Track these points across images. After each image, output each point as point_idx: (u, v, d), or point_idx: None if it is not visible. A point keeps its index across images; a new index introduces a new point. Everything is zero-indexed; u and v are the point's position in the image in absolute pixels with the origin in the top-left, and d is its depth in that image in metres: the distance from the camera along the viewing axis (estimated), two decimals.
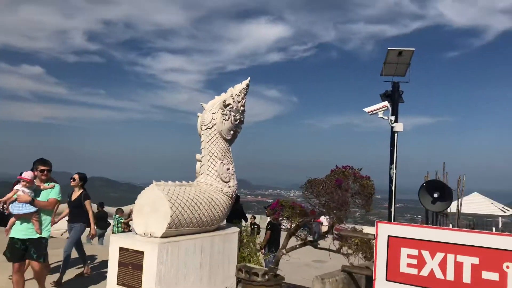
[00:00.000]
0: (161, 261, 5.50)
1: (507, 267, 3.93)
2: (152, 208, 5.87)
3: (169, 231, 5.79)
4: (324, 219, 17.08)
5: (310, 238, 7.43)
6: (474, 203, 22.61)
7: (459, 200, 9.51)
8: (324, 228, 14.20)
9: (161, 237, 5.73)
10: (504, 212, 22.87)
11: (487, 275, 4.03)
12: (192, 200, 6.22)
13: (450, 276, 4.21)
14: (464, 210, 23.33)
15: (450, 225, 8.99)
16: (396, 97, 8.01)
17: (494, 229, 22.90)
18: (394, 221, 8.57)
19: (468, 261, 4.14)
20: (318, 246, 7.22)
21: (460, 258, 4.20)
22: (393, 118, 7.96)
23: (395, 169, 7.90)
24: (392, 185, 7.98)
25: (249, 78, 8.06)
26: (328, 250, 6.59)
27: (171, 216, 5.73)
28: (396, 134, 7.99)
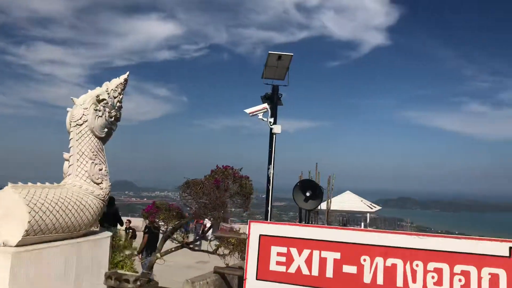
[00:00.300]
0: (15, 273, 4.88)
1: (364, 260, 4.22)
2: (6, 214, 5.21)
3: (27, 238, 5.19)
4: (208, 221, 17.07)
5: (189, 240, 7.31)
6: (346, 201, 24.66)
7: (329, 198, 10.19)
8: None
9: (17, 245, 5.10)
10: (371, 208, 25.31)
11: (347, 268, 4.28)
12: (56, 203, 5.67)
13: (315, 271, 4.38)
14: (338, 207, 25.28)
15: (321, 223, 9.58)
16: (275, 100, 8.30)
17: (362, 224, 25.29)
18: (277, 220, 8.85)
19: (331, 256, 4.35)
20: (196, 248, 7.12)
21: (324, 254, 4.39)
22: (272, 120, 8.23)
23: (273, 169, 8.18)
24: (270, 185, 8.24)
25: (127, 73, 7.62)
26: (204, 251, 6.52)
27: (29, 222, 5.14)
28: (274, 136, 8.28)
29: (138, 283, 5.88)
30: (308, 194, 7.69)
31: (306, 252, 4.47)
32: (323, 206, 25.75)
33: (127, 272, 6.77)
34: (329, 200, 10.28)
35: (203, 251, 6.56)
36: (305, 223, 8.49)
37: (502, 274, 3.71)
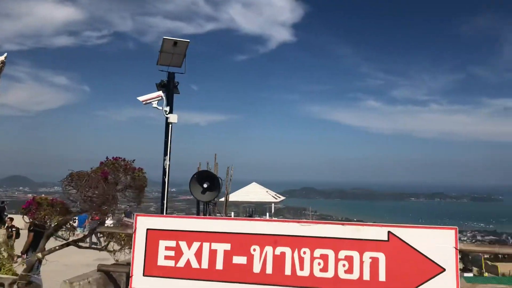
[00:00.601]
0: None
1: (254, 250, 4.16)
2: None
3: None
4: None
5: (75, 237, 6.71)
6: (252, 192, 25.10)
7: (227, 189, 10.14)
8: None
9: None
10: (276, 199, 26.03)
11: (237, 259, 4.19)
12: None
13: (205, 264, 4.23)
14: (244, 198, 25.65)
15: (219, 214, 9.48)
16: (171, 88, 7.94)
17: (268, 214, 26.00)
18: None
19: (222, 248, 4.24)
20: (84, 245, 6.56)
21: (214, 245, 4.26)
22: (168, 108, 7.87)
23: (169, 160, 7.85)
24: (165, 177, 7.88)
25: (5, 54, 6.78)
26: (93, 248, 6.04)
27: None
28: (170, 125, 7.93)
29: (15, 286, 5.27)
30: (205, 185, 7.52)
31: (196, 245, 4.30)
32: (231, 198, 26.03)
33: (2, 275, 6.03)
34: (227, 192, 10.20)
35: (90, 248, 6.06)
36: (203, 215, 8.31)
37: (381, 257, 3.88)
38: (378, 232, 3.94)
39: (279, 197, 27.08)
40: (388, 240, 3.89)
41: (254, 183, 26.73)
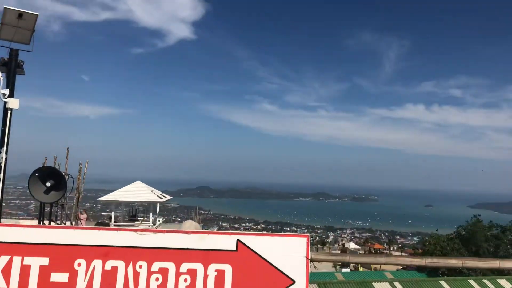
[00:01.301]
0: None
1: (79, 264, 3.42)
2: None
3: None
4: None
5: None
6: (135, 191, 23.68)
7: (79, 188, 9.05)
8: None
9: None
10: (161, 198, 24.93)
11: (56, 276, 3.42)
12: None
13: (14, 283, 3.37)
14: (126, 198, 24.10)
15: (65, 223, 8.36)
16: (13, 67, 6.65)
17: (151, 215, 24.74)
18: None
19: (37, 263, 3.42)
20: None
21: (28, 260, 3.42)
22: (7, 92, 6.56)
23: (6, 153, 6.55)
24: (0, 173, 6.55)
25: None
26: None
27: None
28: (10, 111, 6.61)
29: None
30: (49, 184, 6.41)
31: (3, 260, 3.41)
32: (110, 197, 24.22)
33: None
34: (78, 192, 9.09)
35: None
36: (48, 219, 7.16)
37: (228, 269, 3.42)
38: (226, 241, 3.48)
39: (165, 197, 26.01)
40: (236, 250, 3.45)
41: (138, 181, 25.30)
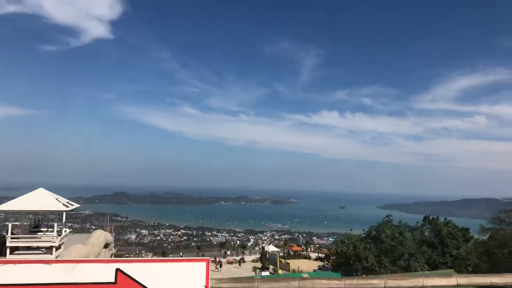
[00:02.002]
0: None
1: None
2: None
3: None
4: None
5: None
6: (36, 199, 21.43)
7: None
8: None
9: None
10: (68, 207, 22.86)
11: None
12: None
13: None
14: (26, 207, 21.71)
15: None
16: None
17: (56, 225, 22.54)
18: None
19: None
20: None
21: None
22: None
23: None
24: None
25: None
26: None
27: None
28: None
29: None
30: None
31: None
32: (9, 207, 21.67)
33: None
34: None
35: None
36: None
37: None
38: (102, 271, 2.72)
39: (72, 205, 23.90)
40: (115, 282, 2.71)
41: (41, 188, 22.93)
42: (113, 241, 39.65)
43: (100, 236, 21.59)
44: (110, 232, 42.64)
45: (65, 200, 23.73)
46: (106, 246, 27.19)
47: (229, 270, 56.16)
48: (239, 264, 60.41)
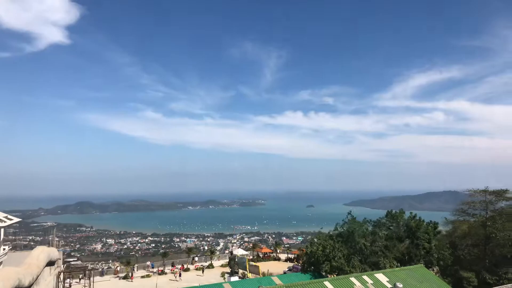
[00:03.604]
0: None
1: None
2: None
3: None
4: None
5: None
6: None
7: None
8: None
9: None
10: (5, 222, 20.50)
11: None
12: None
13: None
14: None
15: None
16: None
17: None
18: None
19: None
20: None
21: None
22: None
23: None
24: None
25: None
26: None
27: None
28: None
29: None
30: None
31: None
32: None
33: None
34: None
35: None
36: None
37: None
38: None
39: (12, 219, 21.52)
40: None
41: None
42: (60, 257, 36.65)
43: (41, 253, 19.26)
44: (57, 246, 39.65)
45: (3, 214, 21.33)
46: (51, 263, 24.57)
47: (191, 278, 52.41)
48: (202, 272, 56.87)
